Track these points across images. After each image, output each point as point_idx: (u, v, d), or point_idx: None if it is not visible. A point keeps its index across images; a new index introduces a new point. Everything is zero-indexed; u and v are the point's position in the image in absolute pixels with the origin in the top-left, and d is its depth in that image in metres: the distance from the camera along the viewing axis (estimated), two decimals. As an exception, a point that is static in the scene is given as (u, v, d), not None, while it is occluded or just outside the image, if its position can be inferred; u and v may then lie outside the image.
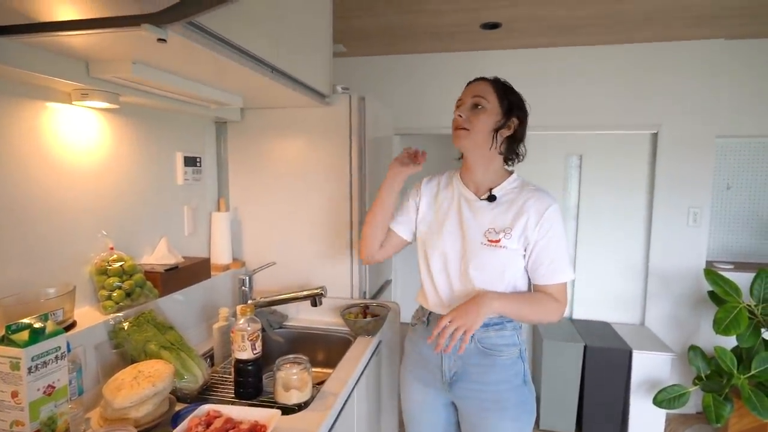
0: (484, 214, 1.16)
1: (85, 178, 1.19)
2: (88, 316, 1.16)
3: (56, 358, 0.87)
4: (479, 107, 1.14)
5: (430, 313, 1.24)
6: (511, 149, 1.20)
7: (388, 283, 2.16)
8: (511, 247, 1.13)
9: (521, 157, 1.23)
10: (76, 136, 1.15)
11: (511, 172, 1.22)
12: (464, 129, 1.14)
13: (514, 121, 1.17)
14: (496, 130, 1.15)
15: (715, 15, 2.18)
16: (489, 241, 1.13)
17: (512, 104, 1.16)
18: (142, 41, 0.86)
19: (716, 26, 2.34)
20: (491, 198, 1.17)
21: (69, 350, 0.96)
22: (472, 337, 1.15)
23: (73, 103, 1.11)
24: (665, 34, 2.47)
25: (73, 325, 1.09)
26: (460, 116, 1.15)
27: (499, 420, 1.16)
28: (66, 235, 1.14)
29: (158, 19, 0.75)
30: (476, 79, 1.19)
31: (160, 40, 0.79)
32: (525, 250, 1.14)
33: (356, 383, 1.33)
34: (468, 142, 1.15)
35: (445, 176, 1.30)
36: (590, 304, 2.84)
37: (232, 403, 1.13)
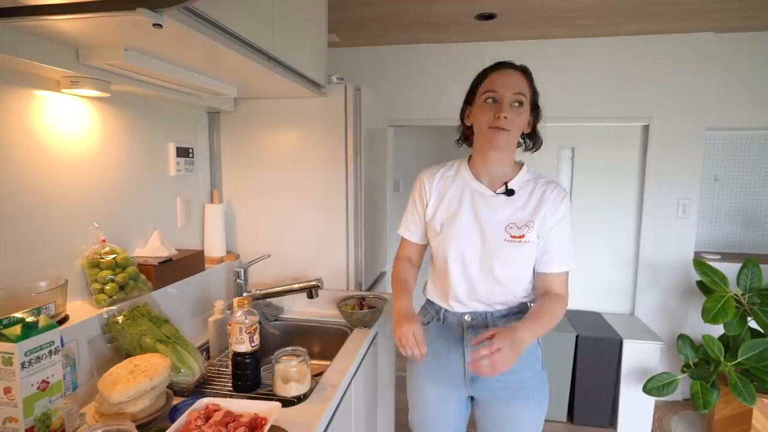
0: (503, 209, 1.12)
1: (76, 169, 1.16)
2: (80, 309, 1.14)
3: (50, 352, 0.85)
4: (520, 105, 1.08)
5: (445, 310, 1.19)
6: (532, 139, 1.18)
7: (383, 274, 2.16)
8: (533, 240, 1.11)
9: (540, 145, 1.19)
10: (65, 125, 1.12)
11: (521, 164, 1.18)
12: (505, 130, 1.07)
13: (538, 115, 1.15)
14: (527, 127, 1.13)
15: (705, 9, 2.20)
16: (512, 237, 1.10)
17: (537, 97, 1.13)
18: (136, 26, 0.83)
19: (706, 19, 2.36)
20: (509, 192, 1.12)
21: (62, 345, 0.94)
22: (494, 326, 1.14)
23: (62, 91, 1.08)
24: (656, 26, 2.48)
25: (65, 319, 1.06)
26: (506, 117, 1.05)
27: (521, 407, 1.16)
28: (57, 227, 1.11)
29: (154, 3, 0.72)
30: (507, 67, 1.10)
31: (155, 25, 0.76)
32: (538, 239, 1.12)
33: (354, 375, 1.33)
34: (506, 143, 1.09)
35: (449, 168, 1.22)
36: (582, 295, 2.87)
37: (230, 396, 1.12)
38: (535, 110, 1.14)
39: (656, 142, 2.67)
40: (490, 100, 1.09)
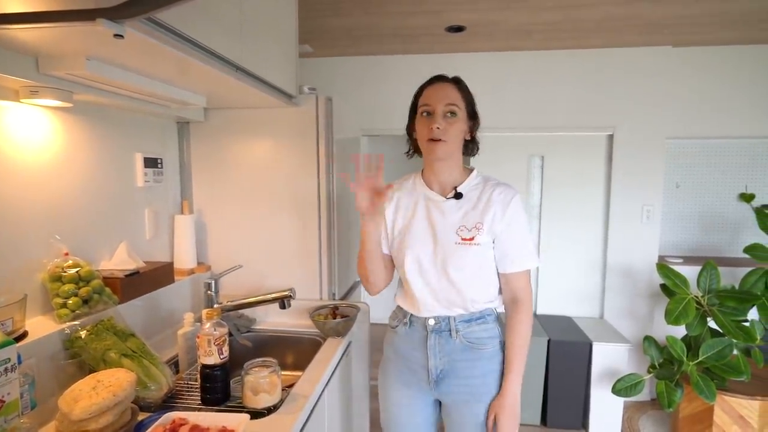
0: (453, 213, 1.17)
1: (37, 181, 1.13)
2: (41, 325, 1.10)
3: (6, 370, 0.83)
4: (452, 115, 1.13)
5: (411, 315, 1.23)
6: (470, 146, 1.24)
7: (357, 283, 2.16)
8: (484, 242, 1.14)
9: (477, 150, 1.25)
10: (25, 136, 1.09)
11: (471, 169, 1.23)
12: (441, 140, 1.12)
13: (476, 123, 1.20)
14: (466, 134, 1.18)
15: (663, 24, 2.32)
16: (462, 239, 1.14)
17: (473, 106, 1.19)
18: (97, 37, 0.82)
19: (664, 33, 2.49)
20: (458, 196, 1.17)
21: (20, 362, 0.91)
22: (456, 332, 1.17)
23: (21, 100, 1.05)
24: (618, 40, 2.60)
25: (24, 335, 1.03)
26: (438, 128, 1.11)
27: (484, 410, 1.17)
28: (15, 240, 1.08)
29: (115, 13, 0.72)
30: (438, 80, 1.17)
31: (116, 35, 0.76)
32: (493, 242, 1.16)
33: (326, 384, 1.32)
34: (444, 153, 1.14)
35: (405, 181, 1.28)
36: (553, 300, 2.94)
37: (199, 410, 1.10)
38: (473, 118, 1.19)
39: (620, 151, 2.78)
40: (425, 114, 1.15)
